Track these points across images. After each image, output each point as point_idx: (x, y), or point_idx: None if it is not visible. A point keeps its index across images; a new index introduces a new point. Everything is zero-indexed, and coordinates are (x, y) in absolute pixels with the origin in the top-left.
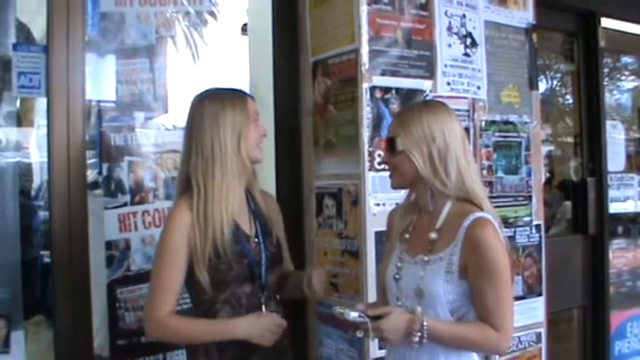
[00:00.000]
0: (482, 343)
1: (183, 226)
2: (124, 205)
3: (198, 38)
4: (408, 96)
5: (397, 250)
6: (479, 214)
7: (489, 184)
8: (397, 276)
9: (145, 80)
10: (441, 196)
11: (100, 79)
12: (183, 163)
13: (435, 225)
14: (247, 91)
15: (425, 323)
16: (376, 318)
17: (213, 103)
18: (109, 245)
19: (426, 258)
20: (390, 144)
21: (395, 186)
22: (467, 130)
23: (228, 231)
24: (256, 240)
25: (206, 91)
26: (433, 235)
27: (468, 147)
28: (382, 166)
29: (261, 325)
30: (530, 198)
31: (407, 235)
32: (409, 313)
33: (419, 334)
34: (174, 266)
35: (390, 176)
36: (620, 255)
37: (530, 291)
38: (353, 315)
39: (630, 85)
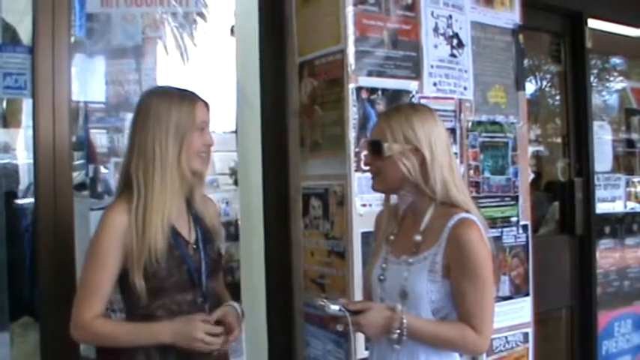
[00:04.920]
0: (461, 343)
1: (119, 230)
2: None
3: (188, 39)
4: (394, 97)
5: (382, 252)
6: (463, 214)
7: (476, 185)
8: (382, 277)
9: (132, 81)
10: (425, 199)
11: (87, 80)
12: (125, 159)
13: (420, 227)
14: (234, 92)
15: (404, 321)
16: (357, 313)
17: (160, 101)
18: None
19: (410, 259)
20: (376, 147)
21: (378, 189)
22: (453, 130)
23: (163, 239)
24: (195, 247)
25: (157, 88)
26: (417, 238)
27: (452, 152)
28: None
29: (186, 332)
30: (517, 198)
31: (392, 237)
32: (389, 310)
33: (398, 331)
34: (104, 271)
35: (373, 179)
36: (608, 255)
37: (517, 291)
38: (333, 308)
39: (618, 85)
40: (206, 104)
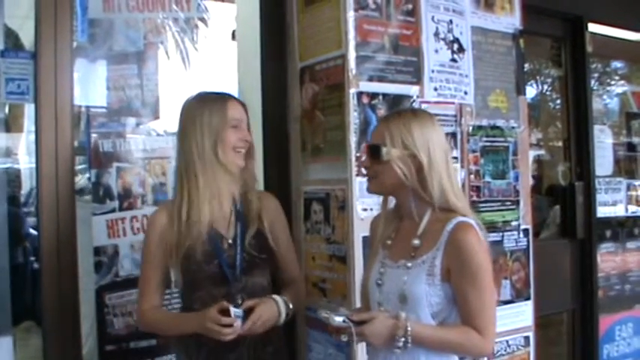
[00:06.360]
0: (466, 346)
1: (161, 227)
2: (113, 211)
3: (189, 44)
4: (395, 101)
5: (380, 256)
6: (461, 218)
7: (477, 189)
8: (380, 281)
9: (133, 86)
10: (423, 203)
11: (89, 85)
12: (176, 164)
13: (417, 231)
14: (236, 96)
15: (409, 328)
16: (361, 323)
17: (195, 105)
18: (98, 251)
19: (409, 264)
20: (374, 151)
21: (373, 191)
22: (454, 135)
23: (205, 233)
24: (230, 242)
25: (195, 94)
26: (416, 242)
27: (450, 159)
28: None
29: (201, 323)
30: (517, 202)
31: (389, 242)
32: (393, 318)
33: (403, 339)
34: (151, 266)
35: (369, 181)
36: (609, 259)
37: (519, 295)
38: (338, 320)
39: (619, 89)
40: (241, 104)
